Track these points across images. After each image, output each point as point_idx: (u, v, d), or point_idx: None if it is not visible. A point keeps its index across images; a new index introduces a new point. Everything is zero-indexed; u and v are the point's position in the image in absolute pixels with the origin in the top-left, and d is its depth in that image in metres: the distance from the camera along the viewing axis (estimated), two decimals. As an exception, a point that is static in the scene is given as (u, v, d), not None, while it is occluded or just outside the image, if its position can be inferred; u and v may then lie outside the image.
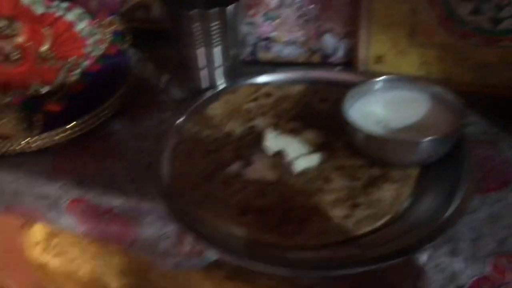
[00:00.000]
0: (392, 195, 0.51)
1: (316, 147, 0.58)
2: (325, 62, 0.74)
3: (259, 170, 0.55)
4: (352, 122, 0.54)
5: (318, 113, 0.64)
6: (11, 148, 0.61)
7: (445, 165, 0.54)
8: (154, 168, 0.57)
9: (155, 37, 0.84)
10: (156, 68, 0.79)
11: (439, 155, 0.53)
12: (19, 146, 0.61)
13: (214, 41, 0.64)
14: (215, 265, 0.67)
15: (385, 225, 0.49)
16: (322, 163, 0.56)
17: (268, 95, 0.67)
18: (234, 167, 0.56)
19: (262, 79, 0.70)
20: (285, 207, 0.51)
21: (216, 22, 0.62)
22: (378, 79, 0.59)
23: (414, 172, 0.54)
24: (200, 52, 0.65)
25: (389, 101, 0.59)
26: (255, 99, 0.67)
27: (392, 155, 0.54)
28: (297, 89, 0.68)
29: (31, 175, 0.61)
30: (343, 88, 0.65)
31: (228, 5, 0.62)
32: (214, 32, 0.63)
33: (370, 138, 0.53)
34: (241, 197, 0.53)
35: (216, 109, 0.65)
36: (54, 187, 0.59)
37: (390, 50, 0.68)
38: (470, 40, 0.63)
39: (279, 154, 0.57)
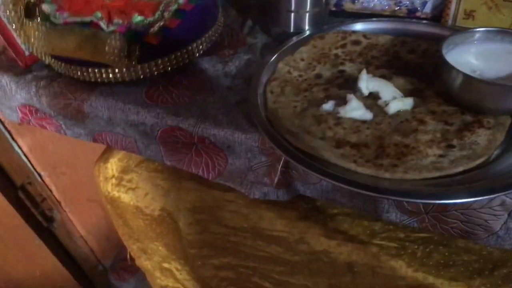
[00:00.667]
0: (485, 139, 0.52)
1: (408, 93, 0.59)
2: (411, 16, 0.74)
3: (353, 108, 0.56)
4: (451, 65, 0.54)
5: (407, 62, 0.64)
6: (111, 76, 0.64)
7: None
8: (250, 102, 0.58)
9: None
10: (238, 13, 0.81)
11: None
12: (118, 75, 0.64)
13: (310, -16, 0.65)
14: (290, 205, 0.69)
15: (478, 167, 0.50)
16: (415, 107, 0.57)
17: (356, 42, 0.68)
18: (328, 105, 0.57)
19: (349, 27, 0.70)
20: (381, 143, 0.52)
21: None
22: (476, 29, 0.59)
23: (506, 121, 0.54)
24: (295, -6, 0.66)
25: (484, 52, 0.58)
26: (343, 46, 0.67)
27: (488, 100, 0.54)
28: (385, 39, 0.68)
29: (126, 103, 0.64)
30: (431, 41, 0.66)
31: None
32: (311, -25, 0.64)
33: (469, 81, 0.53)
34: (336, 132, 0.54)
35: (305, 53, 0.66)
36: (149, 115, 0.62)
37: (482, 5, 0.67)
38: None
39: (372, 96, 0.59)
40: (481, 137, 0.52)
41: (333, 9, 0.76)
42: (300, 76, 0.64)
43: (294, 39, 0.69)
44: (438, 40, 0.65)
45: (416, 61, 0.65)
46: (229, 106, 0.62)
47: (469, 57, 0.58)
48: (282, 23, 0.71)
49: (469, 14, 0.69)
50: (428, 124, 0.54)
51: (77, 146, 1.08)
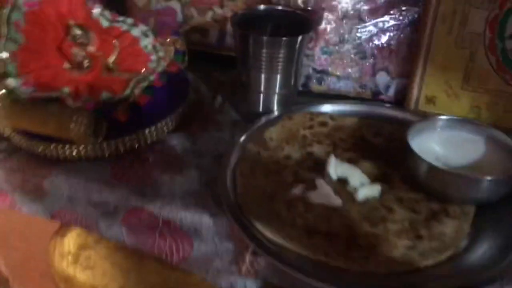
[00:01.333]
0: (453, 230, 0.53)
1: (375, 179, 0.60)
2: (375, 99, 0.77)
3: (323, 194, 0.56)
4: (417, 154, 0.55)
5: (373, 146, 0.66)
6: (74, 153, 0.62)
7: (500, 207, 0.55)
8: (219, 183, 0.57)
9: (209, 61, 0.87)
10: (209, 90, 0.82)
11: (499, 195, 0.55)
12: (82, 152, 0.62)
13: (279, 68, 0.66)
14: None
15: (448, 259, 0.50)
16: (382, 194, 0.57)
17: (323, 124, 0.69)
18: (298, 189, 0.57)
19: (317, 108, 0.72)
20: (351, 232, 0.52)
21: (284, 50, 0.65)
22: (440, 117, 0.61)
23: (471, 210, 0.55)
24: (264, 77, 0.68)
25: (447, 140, 0.61)
26: (310, 127, 0.69)
27: (453, 190, 0.55)
28: (351, 121, 0.70)
29: (89, 182, 0.61)
30: (396, 124, 0.69)
31: (298, 35, 0.64)
32: (280, 60, 0.65)
33: (434, 170, 0.54)
34: (306, 219, 0.54)
35: (274, 133, 0.67)
36: (113, 195, 0.60)
37: (443, 92, 0.71)
38: (523, 89, 0.66)
39: (341, 181, 0.59)
40: (448, 227, 0.53)
41: (301, 89, 0.78)
42: (270, 157, 0.64)
43: (264, 119, 0.70)
44: (402, 124, 0.68)
45: (381, 144, 0.66)
46: (198, 186, 0.61)
47: (433, 144, 0.60)
48: (252, 102, 0.72)
49: (430, 100, 0.72)
50: (396, 212, 0.55)
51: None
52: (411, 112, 0.71)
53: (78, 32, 0.66)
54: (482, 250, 0.51)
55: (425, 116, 0.66)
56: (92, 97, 0.63)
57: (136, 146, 0.64)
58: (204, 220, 0.57)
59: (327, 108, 0.72)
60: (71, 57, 0.65)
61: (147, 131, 0.65)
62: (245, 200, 0.56)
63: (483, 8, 0.63)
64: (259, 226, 0.52)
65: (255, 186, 0.58)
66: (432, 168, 0.55)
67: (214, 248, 0.58)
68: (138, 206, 0.59)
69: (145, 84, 0.67)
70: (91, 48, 0.67)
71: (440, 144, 0.60)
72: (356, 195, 0.57)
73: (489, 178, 0.53)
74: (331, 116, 0.71)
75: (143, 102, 0.66)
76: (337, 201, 0.56)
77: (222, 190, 0.56)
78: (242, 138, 0.65)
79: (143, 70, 0.68)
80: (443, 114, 0.69)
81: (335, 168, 0.59)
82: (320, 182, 0.57)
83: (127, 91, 0.64)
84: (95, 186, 0.61)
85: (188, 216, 0.57)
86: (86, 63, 0.66)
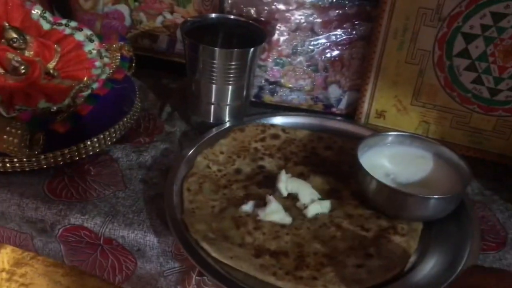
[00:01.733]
0: (401, 248, 0.53)
1: (325, 194, 0.59)
2: (326, 111, 0.76)
3: (273, 212, 0.54)
4: (366, 171, 0.55)
5: (324, 160, 0.65)
6: (7, 165, 0.57)
7: (448, 222, 0.56)
8: (164, 200, 0.55)
9: (158, 67, 0.84)
10: (157, 98, 0.79)
11: (446, 212, 0.55)
12: (16, 164, 0.57)
13: (231, 79, 0.65)
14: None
15: (396, 277, 0.50)
16: (332, 210, 0.57)
17: (275, 136, 0.68)
18: (248, 206, 0.55)
19: (269, 120, 0.71)
20: (300, 251, 0.51)
21: (237, 62, 0.63)
22: (389, 133, 0.62)
23: (418, 227, 0.56)
24: (215, 88, 0.66)
25: (396, 156, 0.61)
26: (262, 139, 0.67)
27: (401, 208, 0.55)
28: (302, 133, 0.69)
29: (24, 197, 0.57)
30: (346, 138, 0.69)
31: (250, 47, 0.63)
32: (232, 71, 0.64)
33: (383, 188, 0.54)
34: (255, 237, 0.52)
35: (224, 145, 0.65)
36: (49, 211, 0.56)
37: (392, 107, 0.71)
38: (469, 106, 0.67)
39: (291, 196, 0.58)
40: (397, 245, 0.53)
41: (253, 99, 0.76)
42: (220, 170, 0.62)
43: (214, 130, 0.68)
44: (353, 137, 0.68)
45: (332, 158, 0.66)
46: (142, 202, 0.58)
47: (383, 160, 0.60)
48: (203, 113, 0.69)
49: (380, 114, 0.72)
50: (345, 230, 0.54)
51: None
52: (361, 126, 0.72)
53: (13, 35, 0.61)
54: (429, 266, 0.51)
55: (375, 132, 0.66)
56: (28, 106, 0.58)
57: (76, 159, 0.60)
58: (148, 239, 0.54)
59: (279, 120, 0.71)
60: (5, 62, 0.61)
61: (88, 142, 0.61)
62: (192, 217, 0.53)
63: (433, 26, 0.64)
64: (206, 246, 0.50)
65: (203, 203, 0.56)
66: (380, 185, 0.54)
67: (158, 268, 0.56)
68: (78, 224, 0.55)
69: (87, 92, 0.63)
70: (28, 53, 0.63)
71: (389, 159, 0.60)
72: (306, 211, 0.56)
73: (436, 196, 0.53)
74: (283, 128, 0.69)
75: (85, 112, 0.62)
76: (287, 218, 0.54)
77: (167, 207, 0.54)
78: (191, 151, 0.62)
79: (86, 78, 0.64)
80: (392, 129, 0.70)
81: (286, 184, 0.58)
82: (270, 198, 0.55)
83: (67, 100, 0.60)
84: (30, 202, 0.56)
85: (131, 235, 0.54)
86: (22, 69, 0.61)
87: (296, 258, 0.50)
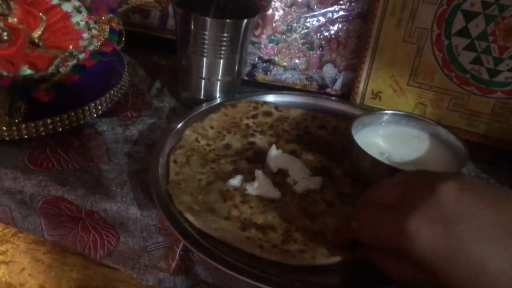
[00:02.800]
0: None
1: (317, 172, 0.57)
2: (321, 92, 0.74)
3: (261, 186, 0.52)
4: (361, 148, 0.53)
5: (317, 138, 0.63)
6: (-14, 134, 0.55)
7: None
8: (150, 172, 0.52)
9: (149, 44, 0.82)
10: (147, 74, 0.76)
11: None
12: (-4, 133, 0.55)
13: (223, 52, 0.62)
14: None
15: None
16: (323, 187, 0.55)
17: (267, 113, 0.66)
18: (236, 180, 0.53)
19: (262, 98, 0.69)
20: (288, 226, 0.49)
21: (230, 34, 0.61)
22: (384, 112, 0.60)
23: None
24: (206, 62, 0.63)
25: (391, 135, 0.59)
26: (254, 116, 0.65)
27: None
28: (296, 112, 0.67)
29: (2, 167, 0.54)
30: (341, 118, 0.67)
31: (245, 18, 0.61)
32: (225, 44, 0.61)
33: (378, 165, 0.52)
34: (242, 211, 0.50)
35: (215, 120, 0.63)
36: (29, 182, 0.53)
37: (388, 87, 0.69)
38: (467, 88, 0.65)
39: (281, 173, 0.56)
40: None
41: (246, 78, 0.74)
42: (208, 145, 0.60)
43: (204, 105, 0.65)
44: (347, 118, 0.66)
45: (326, 137, 0.64)
46: (126, 176, 0.56)
47: (377, 138, 0.58)
48: (193, 88, 0.67)
49: (376, 95, 0.70)
50: (336, 207, 0.52)
51: None
52: (357, 107, 0.70)
53: (-4, -1, 0.59)
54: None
55: (372, 111, 0.64)
56: (9, 72, 0.56)
57: (59, 130, 0.58)
58: (131, 212, 0.51)
59: (272, 98, 0.69)
60: (-13, 27, 0.58)
61: (72, 113, 0.59)
62: (177, 189, 0.51)
63: (432, 3, 0.62)
64: (190, 217, 0.47)
65: (190, 175, 0.54)
66: (375, 162, 0.52)
67: (141, 243, 0.53)
68: (58, 196, 0.53)
69: (73, 62, 0.60)
70: (12, 20, 0.60)
71: (384, 138, 0.59)
72: (296, 187, 0.54)
73: None
74: (276, 106, 0.67)
75: (70, 82, 0.59)
76: (275, 193, 0.52)
77: (152, 180, 0.52)
78: (180, 125, 0.60)
79: (71, 47, 0.62)
80: (387, 110, 0.68)
81: (276, 159, 0.56)
82: (258, 173, 0.53)
83: (51, 69, 0.58)
84: (9, 172, 0.54)
85: (113, 208, 0.52)
86: (5, 35, 0.58)
87: (284, 233, 0.48)
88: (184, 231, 0.46)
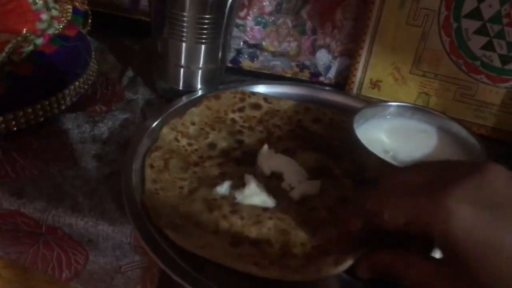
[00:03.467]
0: None
1: (314, 172, 0.50)
2: (313, 80, 0.67)
3: (253, 193, 0.45)
4: (365, 147, 0.46)
5: (312, 134, 0.57)
6: None
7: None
8: (122, 180, 0.45)
9: (119, 27, 0.73)
10: (117, 61, 0.68)
11: None
12: None
13: (205, 36, 0.55)
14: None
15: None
16: (322, 191, 0.48)
17: (256, 106, 0.59)
18: (223, 187, 0.46)
19: (249, 88, 0.61)
20: (286, 240, 0.42)
21: (212, 15, 0.53)
22: (389, 104, 0.53)
23: None
24: (185, 47, 0.55)
25: (395, 130, 0.53)
26: (241, 109, 0.58)
27: None
28: (287, 104, 0.60)
29: None
30: (336, 110, 0.61)
31: (229, -3, 0.53)
32: (206, 26, 0.54)
33: (384, 166, 0.46)
34: (232, 223, 0.43)
35: (196, 115, 0.55)
36: (-22, 192, 0.45)
37: (389, 76, 0.63)
38: (476, 76, 0.59)
39: (275, 176, 0.49)
40: None
41: (230, 65, 0.67)
42: (190, 145, 0.52)
43: (184, 98, 0.58)
44: (343, 109, 0.60)
45: (321, 132, 0.57)
46: (95, 183, 0.48)
47: (381, 134, 0.52)
48: (170, 78, 0.59)
49: (375, 84, 0.64)
50: (338, 214, 0.45)
51: None
52: (354, 97, 0.63)
53: None
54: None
55: (372, 102, 0.57)
56: (-50, 62, 0.47)
57: (14, 129, 0.50)
58: (100, 228, 0.44)
59: (260, 89, 0.62)
60: None
61: (29, 110, 0.50)
62: (154, 200, 0.43)
63: (441, -20, 0.55)
64: (171, 234, 0.40)
65: (170, 182, 0.46)
66: (381, 163, 0.46)
67: (114, 262, 0.46)
68: (13, 209, 0.45)
69: (28, 48, 0.52)
70: (-47, -3, 0.51)
71: (388, 134, 0.52)
72: (292, 193, 0.47)
73: None
74: (265, 97, 0.60)
75: (25, 72, 0.50)
76: (269, 201, 0.45)
77: (125, 189, 0.44)
78: (156, 122, 0.52)
79: (24, 30, 0.53)
80: (388, 101, 0.62)
81: (268, 161, 0.49)
82: (249, 178, 0.46)
83: (1, 57, 0.49)
84: (-46, 180, 0.46)
85: (79, 223, 0.44)
86: None
87: (281, 248, 0.41)
88: (163, 252, 0.39)
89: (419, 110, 0.54)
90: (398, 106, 0.54)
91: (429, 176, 0.34)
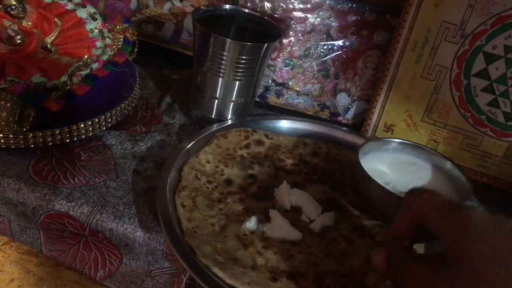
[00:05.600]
0: None
1: (324, 204, 0.55)
2: (332, 120, 0.74)
3: (280, 227, 0.50)
4: (372, 178, 0.52)
5: (314, 167, 0.62)
6: (-9, 140, 0.53)
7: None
8: (157, 197, 0.50)
9: (160, 56, 0.81)
10: (157, 87, 0.75)
11: None
12: (1, 140, 0.53)
13: (240, 74, 0.61)
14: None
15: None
16: (337, 222, 0.53)
17: (259, 142, 0.64)
18: (251, 223, 0.51)
19: (273, 124, 0.67)
20: (317, 271, 0.47)
21: (249, 57, 0.59)
22: (392, 139, 0.58)
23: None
24: (222, 82, 0.62)
25: (396, 163, 0.58)
26: (247, 146, 0.63)
27: None
28: (286, 140, 0.65)
29: (6, 176, 0.52)
30: (331, 144, 0.66)
31: (265, 41, 0.59)
32: (243, 66, 0.60)
33: (391, 196, 0.51)
34: (267, 258, 0.47)
35: (210, 154, 0.60)
36: (33, 194, 0.51)
37: (402, 122, 0.69)
38: (481, 129, 0.65)
39: (293, 209, 0.54)
40: None
41: (257, 99, 0.73)
42: (209, 182, 0.56)
43: (215, 126, 0.63)
44: (336, 143, 0.66)
45: (322, 165, 0.63)
46: (134, 194, 0.54)
47: (382, 166, 0.57)
48: (205, 107, 0.66)
49: (388, 128, 0.70)
50: (356, 243, 0.51)
51: None
52: (345, 131, 0.68)
53: (12, 1, 0.56)
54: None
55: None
56: (21, 79, 0.54)
57: (67, 141, 0.56)
58: (138, 235, 0.49)
59: (284, 124, 0.67)
60: (0, 30, 0.56)
61: (82, 125, 0.57)
62: (195, 239, 0.47)
63: (454, 42, 0.61)
64: (218, 272, 0.44)
65: (201, 220, 0.50)
66: (387, 193, 0.51)
67: (146, 267, 0.51)
68: (63, 211, 0.51)
69: (86, 72, 0.59)
70: (26, 23, 0.59)
71: (389, 167, 0.57)
72: (312, 226, 0.52)
73: None
74: (266, 134, 0.65)
75: (81, 92, 0.57)
76: (296, 234, 0.50)
77: (159, 202, 0.49)
78: (189, 145, 0.58)
79: (86, 56, 0.60)
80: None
81: (288, 196, 0.54)
82: (274, 213, 0.51)
83: (64, 77, 0.56)
84: (12, 182, 0.52)
85: (120, 229, 0.50)
86: (18, 39, 0.56)
87: (314, 280, 0.46)
88: (192, 261, 0.44)
89: (418, 147, 0.59)
90: (399, 142, 0.59)
91: None
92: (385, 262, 0.41)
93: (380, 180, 0.53)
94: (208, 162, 0.59)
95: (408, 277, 0.38)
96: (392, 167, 0.58)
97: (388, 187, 0.53)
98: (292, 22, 0.69)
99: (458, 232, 0.36)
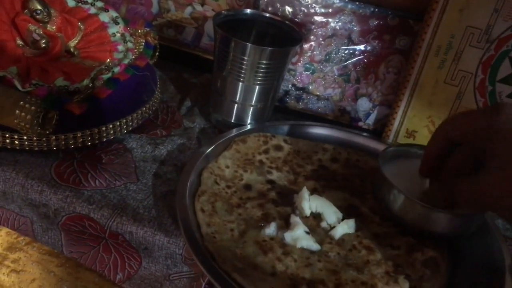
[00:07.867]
0: (432, 265, 0.49)
1: (343, 211, 0.55)
2: (353, 125, 0.73)
3: (300, 235, 0.49)
4: (394, 185, 0.51)
5: (333, 173, 0.61)
6: (15, 142, 0.53)
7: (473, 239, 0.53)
8: (176, 201, 0.50)
9: (180, 60, 0.81)
10: (177, 91, 0.75)
11: (470, 230, 0.52)
12: (25, 142, 0.54)
13: (260, 79, 0.61)
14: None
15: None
16: (357, 229, 0.53)
17: (278, 147, 0.63)
18: (271, 229, 0.50)
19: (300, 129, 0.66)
20: (337, 279, 0.47)
21: (269, 61, 0.59)
22: (414, 145, 0.57)
23: (444, 245, 0.52)
24: (242, 87, 0.62)
25: (407, 171, 0.57)
26: (266, 151, 0.62)
27: (431, 224, 0.51)
28: (305, 145, 0.65)
29: (29, 178, 0.53)
30: (351, 150, 0.65)
31: (285, 47, 0.59)
32: (263, 70, 0.60)
33: (413, 205, 0.50)
34: (287, 265, 0.47)
35: (228, 159, 0.59)
36: (55, 196, 0.52)
37: (424, 128, 0.68)
38: (506, 135, 0.63)
39: (312, 215, 0.53)
40: (428, 263, 0.49)
41: (277, 104, 0.73)
42: (229, 187, 0.56)
43: (234, 131, 0.63)
44: (356, 148, 0.65)
45: (341, 171, 0.62)
46: (154, 198, 0.54)
47: (403, 173, 0.55)
48: (225, 111, 0.66)
49: (410, 134, 0.69)
50: (376, 252, 0.50)
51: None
52: (363, 136, 0.67)
53: (38, 6, 0.58)
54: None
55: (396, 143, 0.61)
56: (45, 82, 0.55)
57: (88, 144, 0.57)
58: (157, 238, 0.50)
59: (302, 129, 0.67)
60: (26, 34, 0.57)
61: (103, 128, 0.57)
62: (215, 244, 0.47)
63: (479, 47, 0.60)
64: (238, 278, 0.44)
65: (220, 225, 0.50)
66: (410, 201, 0.50)
67: (165, 270, 0.52)
68: (84, 214, 0.51)
69: (107, 75, 0.59)
70: (51, 27, 0.59)
71: (410, 173, 0.56)
72: (332, 233, 0.51)
73: (469, 213, 0.50)
74: (285, 139, 0.65)
75: (103, 95, 0.58)
76: (315, 246, 0.50)
77: (179, 206, 0.49)
78: (209, 149, 0.58)
79: (108, 60, 0.61)
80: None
81: (310, 202, 0.54)
82: (295, 220, 0.51)
83: (87, 81, 0.56)
84: (35, 184, 0.53)
85: (140, 232, 0.50)
86: (43, 43, 0.57)
87: (334, 287, 0.46)
88: (211, 266, 0.44)
89: None
90: (421, 148, 0.57)
91: None
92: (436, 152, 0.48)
93: (401, 187, 0.52)
94: (227, 167, 0.59)
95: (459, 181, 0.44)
96: (413, 174, 0.57)
97: (410, 195, 0.53)
98: (313, 26, 0.68)
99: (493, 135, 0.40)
